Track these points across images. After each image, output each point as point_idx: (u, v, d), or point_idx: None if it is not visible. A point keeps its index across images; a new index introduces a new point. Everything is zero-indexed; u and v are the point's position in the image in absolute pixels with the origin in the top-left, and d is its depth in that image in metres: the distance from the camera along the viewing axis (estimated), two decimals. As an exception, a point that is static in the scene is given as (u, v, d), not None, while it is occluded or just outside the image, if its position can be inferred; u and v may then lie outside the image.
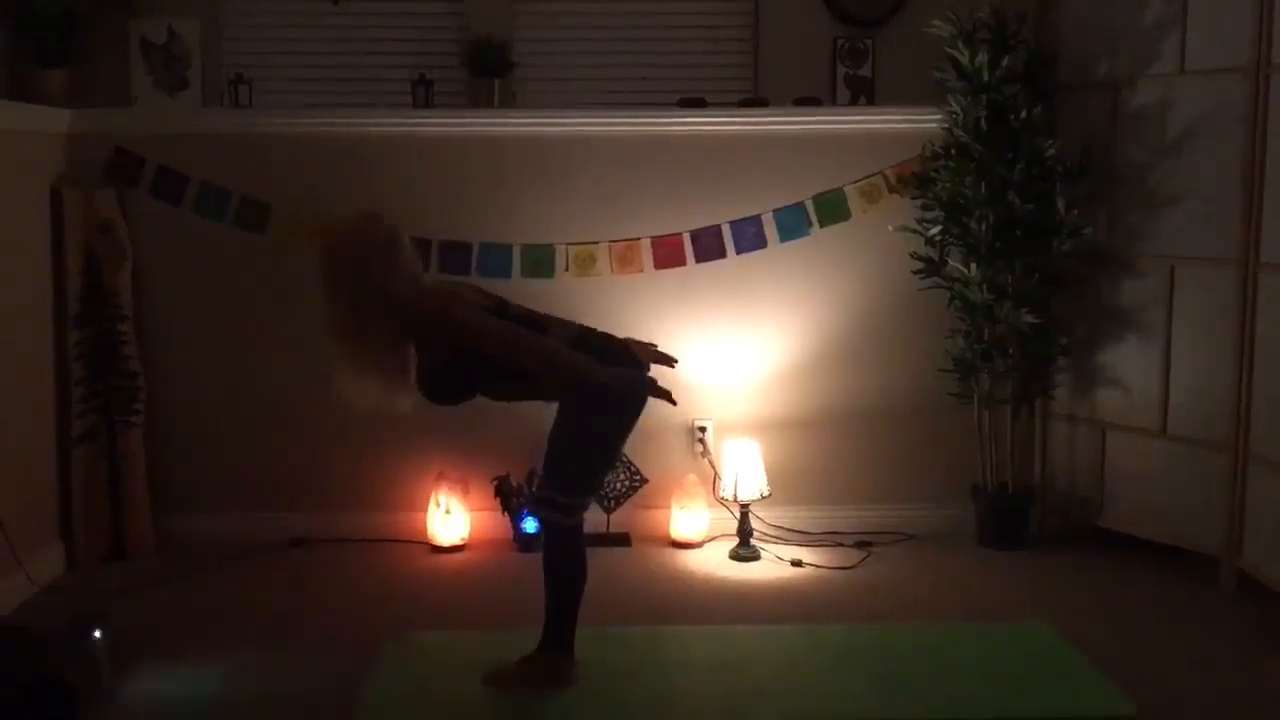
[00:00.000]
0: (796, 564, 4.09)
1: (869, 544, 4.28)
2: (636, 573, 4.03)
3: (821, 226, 4.37)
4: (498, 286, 4.27)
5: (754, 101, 4.39)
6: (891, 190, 4.34)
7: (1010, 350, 4.14)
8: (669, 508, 4.32)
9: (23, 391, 3.88)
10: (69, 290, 4.08)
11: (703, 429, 4.40)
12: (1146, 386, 4.05)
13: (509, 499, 4.23)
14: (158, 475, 4.27)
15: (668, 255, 4.35)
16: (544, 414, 4.44)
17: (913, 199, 4.25)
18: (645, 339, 3.23)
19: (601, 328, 3.17)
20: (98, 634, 3.07)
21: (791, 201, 4.35)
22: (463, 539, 4.26)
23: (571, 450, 3.03)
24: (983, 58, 4.00)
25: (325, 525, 4.30)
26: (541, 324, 3.08)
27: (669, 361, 3.17)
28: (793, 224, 4.36)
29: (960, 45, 4.04)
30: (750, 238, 4.35)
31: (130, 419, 4.18)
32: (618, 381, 2.97)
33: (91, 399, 4.12)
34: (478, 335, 2.94)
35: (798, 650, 3.34)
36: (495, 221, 4.32)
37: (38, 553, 3.86)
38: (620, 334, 3.19)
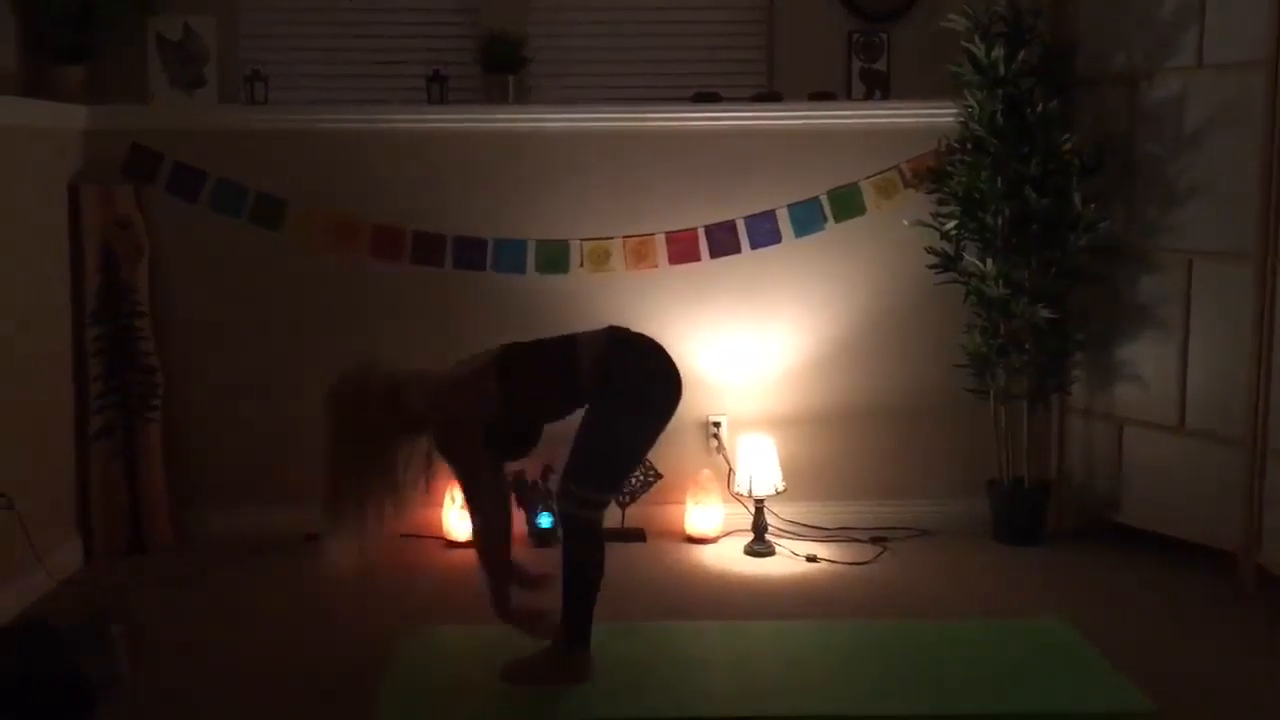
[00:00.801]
0: (811, 559, 4.08)
1: (884, 540, 4.27)
2: (651, 568, 4.04)
3: (836, 221, 4.36)
4: (513, 282, 4.32)
5: (768, 96, 4.38)
6: (907, 185, 4.33)
7: (1026, 345, 4.12)
8: (684, 503, 4.32)
9: (41, 387, 3.90)
10: (86, 287, 4.10)
11: (717, 424, 4.40)
12: (1164, 381, 4.03)
13: (524, 494, 4.24)
14: (175, 470, 4.29)
15: (682, 250, 4.35)
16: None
17: (928, 193, 4.24)
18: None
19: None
20: (115, 628, 3.09)
21: (806, 196, 4.35)
22: (478, 534, 4.27)
23: (600, 449, 3.02)
24: (999, 52, 3.99)
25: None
26: (570, 340, 3.09)
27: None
28: (807, 219, 4.35)
29: (976, 39, 4.03)
30: (765, 233, 4.35)
31: (148, 414, 4.20)
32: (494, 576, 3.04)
33: (109, 395, 4.14)
34: (456, 460, 3.00)
35: (812, 646, 3.33)
36: (510, 217, 4.33)
37: (56, 547, 3.88)
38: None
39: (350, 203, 4.30)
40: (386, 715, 2.92)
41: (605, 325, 3.15)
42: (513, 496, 4.21)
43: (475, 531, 3.02)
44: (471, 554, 4.20)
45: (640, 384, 3.04)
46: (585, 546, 3.03)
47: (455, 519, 4.23)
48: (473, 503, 3.04)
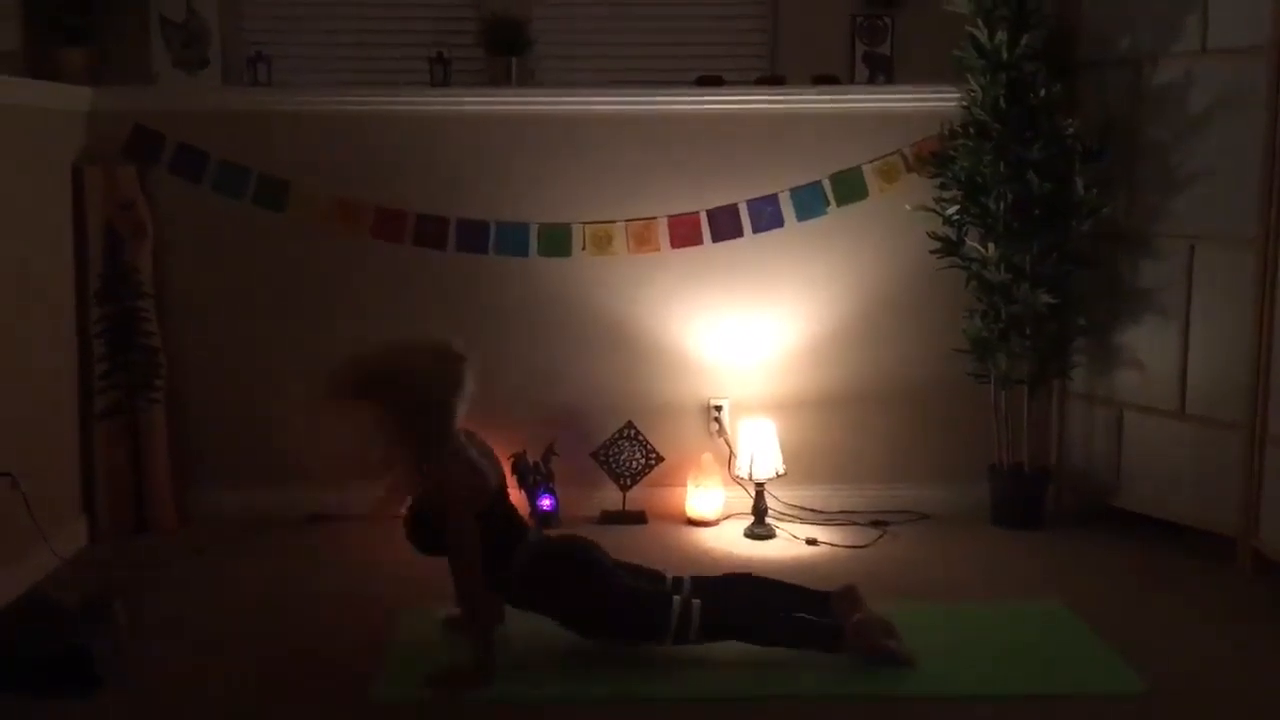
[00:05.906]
0: (811, 543, 4.10)
1: (884, 523, 4.29)
2: (652, 550, 4.04)
3: (839, 206, 4.36)
4: (515, 265, 4.32)
5: (771, 80, 4.38)
6: (909, 169, 4.33)
7: (1027, 330, 4.12)
8: (685, 486, 4.34)
9: (45, 368, 3.91)
10: (90, 267, 4.11)
11: (719, 408, 4.41)
12: (1164, 366, 4.04)
13: (525, 476, 4.25)
14: (179, 450, 4.31)
15: (684, 234, 4.35)
16: (558, 394, 4.47)
17: (931, 178, 4.24)
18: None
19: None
20: (119, 607, 3.11)
21: (809, 180, 4.34)
22: (480, 516, 4.29)
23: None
24: (1002, 35, 3.98)
25: (344, 500, 4.33)
26: (524, 528, 3.20)
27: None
28: (810, 203, 4.35)
29: (979, 23, 4.02)
30: (767, 217, 4.35)
31: (151, 395, 4.22)
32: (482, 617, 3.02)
33: (113, 375, 4.16)
34: (453, 533, 2.98)
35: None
36: (512, 200, 4.33)
37: (61, 526, 3.90)
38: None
39: (353, 185, 4.30)
40: (386, 694, 2.95)
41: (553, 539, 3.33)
42: (513, 478, 4.25)
43: (460, 593, 3.00)
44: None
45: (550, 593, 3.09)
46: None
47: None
48: (459, 560, 2.99)
